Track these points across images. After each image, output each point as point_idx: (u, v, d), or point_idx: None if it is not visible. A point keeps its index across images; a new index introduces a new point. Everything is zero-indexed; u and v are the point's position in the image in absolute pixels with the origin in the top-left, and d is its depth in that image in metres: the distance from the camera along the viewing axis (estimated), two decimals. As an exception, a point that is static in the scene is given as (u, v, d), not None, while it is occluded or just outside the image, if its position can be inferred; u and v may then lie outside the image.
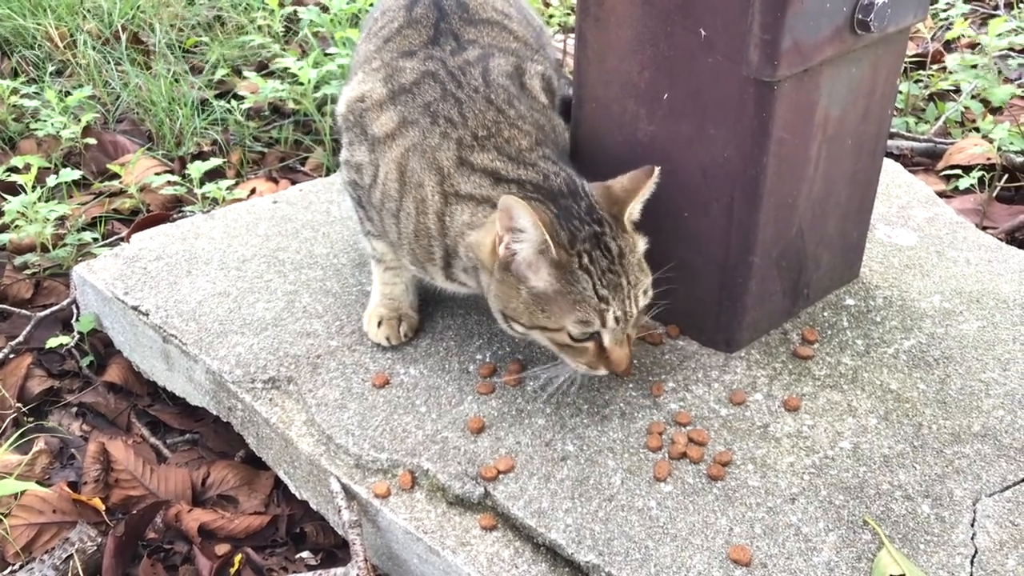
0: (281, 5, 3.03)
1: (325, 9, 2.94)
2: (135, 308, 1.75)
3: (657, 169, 1.40)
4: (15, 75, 2.83)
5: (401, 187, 1.49)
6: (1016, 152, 2.39)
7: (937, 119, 2.62)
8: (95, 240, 2.22)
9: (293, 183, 2.38)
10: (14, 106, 2.64)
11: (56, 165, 2.43)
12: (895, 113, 2.59)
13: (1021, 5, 3.21)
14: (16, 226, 2.15)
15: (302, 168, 2.57)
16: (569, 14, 3.12)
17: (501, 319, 1.43)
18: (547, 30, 1.79)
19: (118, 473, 1.69)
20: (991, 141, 2.38)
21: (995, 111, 2.62)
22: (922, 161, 2.50)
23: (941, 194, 2.22)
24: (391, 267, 1.63)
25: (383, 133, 1.51)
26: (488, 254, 1.38)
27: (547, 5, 3.28)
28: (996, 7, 3.26)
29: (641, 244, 1.42)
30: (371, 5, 2.78)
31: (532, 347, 1.61)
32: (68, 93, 2.67)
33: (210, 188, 2.26)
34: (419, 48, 1.57)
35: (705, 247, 1.53)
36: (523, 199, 1.31)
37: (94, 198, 2.39)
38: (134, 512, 1.60)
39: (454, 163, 1.45)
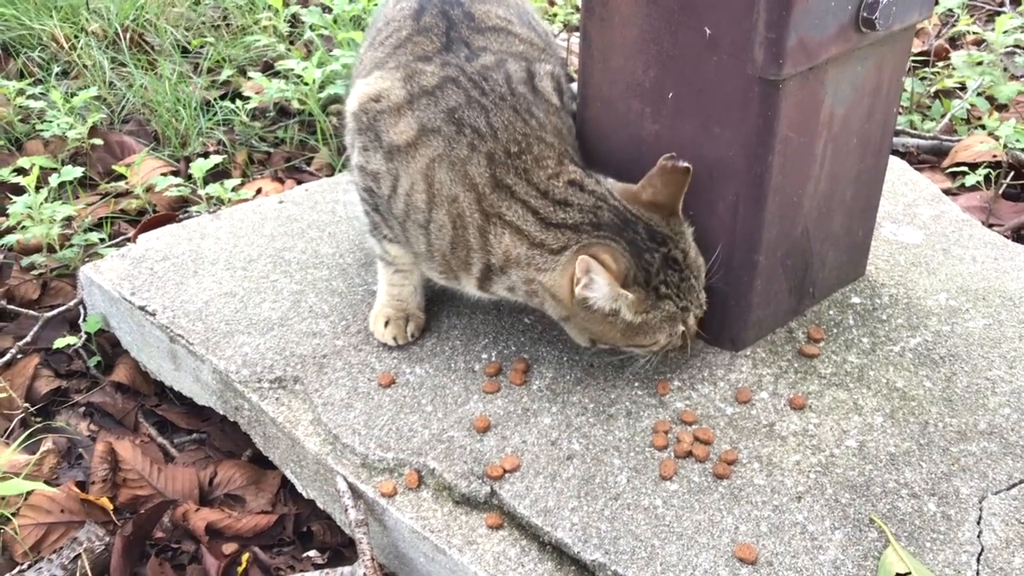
0: (285, 5, 3.03)
1: (328, 10, 2.94)
2: (142, 308, 1.76)
3: (688, 166, 1.42)
4: (21, 76, 2.84)
5: (430, 199, 1.47)
6: (1022, 149, 2.38)
7: (943, 116, 2.61)
8: (101, 241, 2.23)
9: (299, 183, 2.38)
10: (20, 107, 2.65)
11: (62, 165, 2.44)
12: (900, 111, 2.59)
13: (1026, 2, 3.20)
14: (23, 227, 2.16)
15: (308, 168, 2.57)
16: (573, 13, 3.12)
17: (586, 341, 1.50)
18: (552, 35, 1.78)
19: (126, 473, 1.70)
20: (997, 138, 2.38)
21: (1001, 108, 2.62)
22: (928, 159, 2.50)
23: (947, 192, 2.22)
24: (401, 269, 1.63)
25: (402, 141, 1.49)
26: (568, 294, 1.42)
27: (551, 4, 3.28)
28: (1002, 3, 3.26)
29: (689, 229, 1.47)
30: (375, 5, 2.78)
31: (538, 346, 1.61)
32: (74, 94, 2.67)
33: (216, 188, 2.27)
34: (434, 54, 1.55)
35: (710, 246, 1.53)
36: (596, 246, 1.38)
37: (100, 199, 2.39)
38: (142, 511, 1.60)
39: (488, 181, 1.45)
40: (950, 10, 3.00)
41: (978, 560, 1.29)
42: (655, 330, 1.44)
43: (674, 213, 1.45)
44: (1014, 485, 1.39)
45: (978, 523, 1.34)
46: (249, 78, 2.78)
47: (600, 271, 1.35)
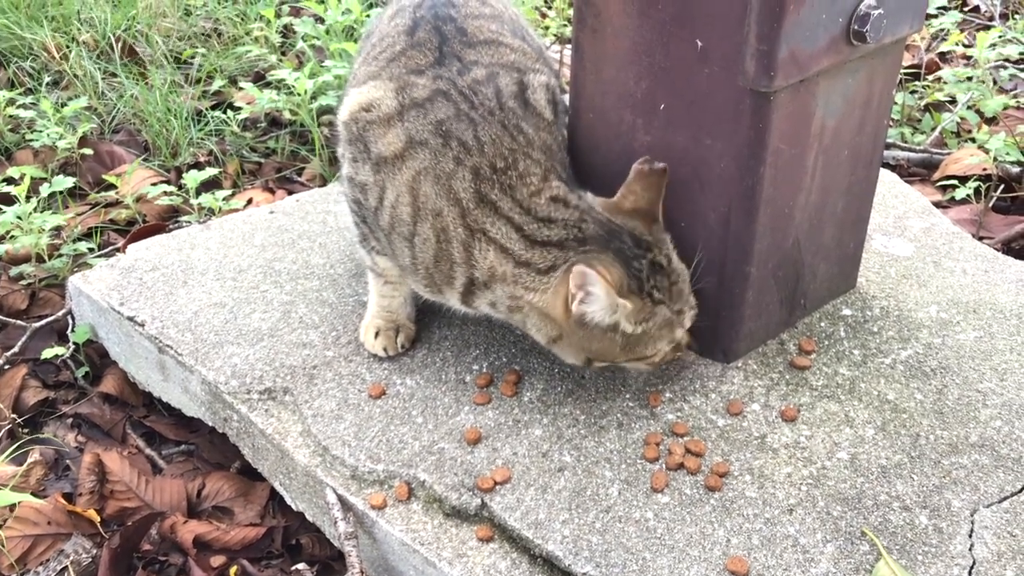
0: (277, 16, 3.03)
1: (321, 21, 2.94)
2: (131, 319, 1.75)
3: (664, 167, 1.42)
4: (11, 86, 2.83)
5: (415, 212, 1.47)
6: (1012, 163, 2.39)
7: (933, 130, 2.63)
8: (91, 251, 2.22)
9: (289, 193, 2.38)
10: (10, 117, 2.64)
11: (51, 176, 2.43)
12: (891, 124, 2.60)
13: (1016, 16, 3.22)
14: (11, 237, 2.15)
15: (299, 178, 2.57)
16: (565, 25, 3.13)
17: (581, 361, 1.46)
18: (545, 50, 1.78)
19: (113, 484, 1.69)
20: (987, 152, 2.39)
21: (990, 121, 2.63)
22: (918, 172, 2.50)
23: (937, 204, 2.23)
24: (391, 281, 1.62)
25: (390, 153, 1.48)
26: (562, 313, 1.40)
27: (543, 16, 3.29)
28: (991, 18, 3.28)
29: (667, 236, 1.46)
30: (368, 16, 2.78)
31: (529, 358, 1.60)
32: (64, 104, 2.67)
33: (206, 198, 2.26)
34: (427, 68, 1.55)
35: (702, 257, 1.52)
36: (587, 259, 1.37)
37: (90, 208, 2.38)
38: (129, 523, 1.59)
39: (472, 196, 1.44)
40: (941, 7, 3.02)
41: (970, 573, 1.29)
42: (655, 339, 1.42)
43: (655, 219, 1.44)
44: (1006, 498, 1.39)
45: (970, 536, 1.34)
46: (240, 88, 2.78)
47: (597, 282, 1.33)
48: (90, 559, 1.53)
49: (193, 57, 2.97)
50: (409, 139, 1.47)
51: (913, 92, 2.79)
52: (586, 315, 1.37)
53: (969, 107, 2.65)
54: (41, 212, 2.21)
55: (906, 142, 2.59)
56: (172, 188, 2.36)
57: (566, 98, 1.64)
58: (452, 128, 1.46)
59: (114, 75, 2.87)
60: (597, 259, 1.38)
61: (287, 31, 3.15)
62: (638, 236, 1.42)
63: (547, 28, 3.16)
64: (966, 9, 3.35)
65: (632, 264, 1.39)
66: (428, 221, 1.46)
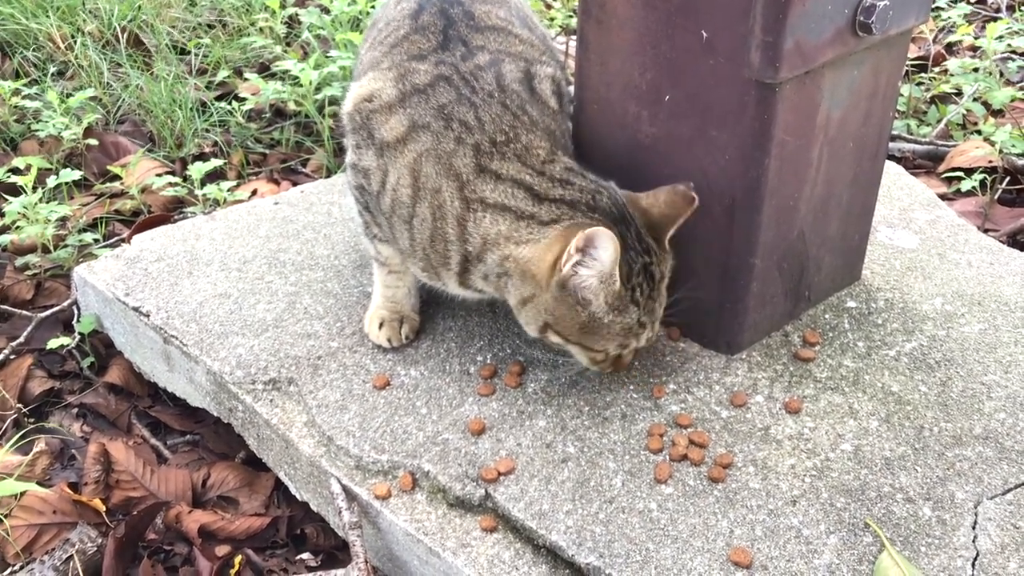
0: (282, 7, 3.03)
1: (326, 11, 2.94)
2: (136, 309, 1.75)
3: (695, 196, 1.41)
4: (17, 76, 2.83)
5: (415, 193, 1.48)
6: (1018, 155, 2.39)
7: (939, 122, 2.62)
8: (96, 241, 2.22)
9: (294, 184, 2.38)
10: (16, 107, 2.64)
11: (57, 166, 2.43)
12: (897, 115, 2.59)
13: (1022, 8, 3.21)
14: (17, 227, 2.16)
15: (303, 170, 2.57)
16: (571, 16, 3.12)
17: (537, 328, 1.44)
18: (550, 39, 1.78)
19: (118, 474, 1.69)
20: (993, 144, 2.38)
21: (996, 113, 2.62)
22: (924, 164, 2.50)
23: (943, 197, 2.22)
24: (394, 270, 1.63)
25: (392, 138, 1.50)
26: (546, 269, 1.38)
27: (549, 7, 3.28)
28: (998, 10, 3.26)
29: (670, 262, 1.45)
30: (373, 7, 2.78)
31: (533, 349, 1.61)
32: (70, 94, 2.67)
33: (211, 189, 2.26)
34: (429, 53, 1.56)
35: (706, 249, 1.52)
36: (598, 224, 1.34)
37: (95, 199, 2.39)
38: (134, 513, 1.60)
39: (472, 169, 1.44)
40: (949, 17, 3.01)
41: (973, 565, 1.29)
42: (610, 336, 1.41)
43: (660, 239, 1.43)
44: (1009, 490, 1.39)
45: (973, 528, 1.34)
46: (245, 79, 2.78)
47: (611, 246, 1.31)
48: (95, 548, 1.54)
49: (198, 48, 2.97)
50: (412, 123, 1.48)
51: (919, 84, 2.79)
52: (574, 278, 1.35)
53: (975, 99, 2.64)
54: (47, 203, 2.22)
55: (912, 134, 2.59)
56: (177, 179, 2.36)
57: (571, 89, 1.64)
58: (454, 111, 1.47)
59: (119, 65, 2.87)
60: (608, 227, 1.35)
61: (292, 22, 3.14)
62: (643, 236, 1.42)
63: (553, 19, 3.16)
64: (972, 1, 3.33)
65: (629, 252, 1.39)
66: (426, 200, 1.46)
